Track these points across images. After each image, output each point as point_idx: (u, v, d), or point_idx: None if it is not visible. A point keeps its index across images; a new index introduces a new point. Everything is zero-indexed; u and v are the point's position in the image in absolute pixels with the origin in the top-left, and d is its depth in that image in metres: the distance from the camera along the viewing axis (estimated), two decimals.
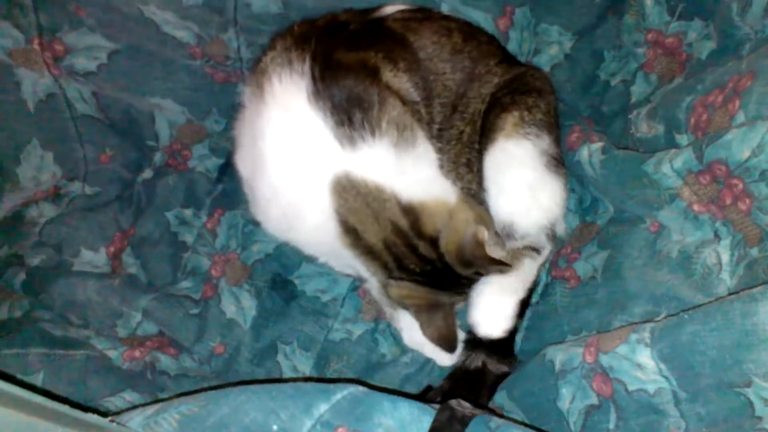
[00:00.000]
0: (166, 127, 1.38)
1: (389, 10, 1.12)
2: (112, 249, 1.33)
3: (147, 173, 1.39)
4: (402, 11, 1.12)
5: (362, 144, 0.92)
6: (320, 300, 1.26)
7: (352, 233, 0.95)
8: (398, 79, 0.99)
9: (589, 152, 1.09)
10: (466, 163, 1.08)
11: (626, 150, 1.08)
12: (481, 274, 1.02)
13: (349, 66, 0.96)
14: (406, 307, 1.02)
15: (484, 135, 1.08)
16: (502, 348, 1.09)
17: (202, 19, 1.28)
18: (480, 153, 1.08)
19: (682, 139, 1.00)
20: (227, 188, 1.36)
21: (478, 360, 1.07)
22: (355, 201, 0.93)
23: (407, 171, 0.95)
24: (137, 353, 1.19)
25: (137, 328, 1.25)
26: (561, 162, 1.09)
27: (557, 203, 1.08)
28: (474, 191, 1.08)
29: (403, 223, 0.94)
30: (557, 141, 1.10)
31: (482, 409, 0.97)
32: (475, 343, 1.09)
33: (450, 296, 1.00)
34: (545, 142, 1.06)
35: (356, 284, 1.25)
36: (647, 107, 1.12)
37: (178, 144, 1.40)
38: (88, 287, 1.25)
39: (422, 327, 0.99)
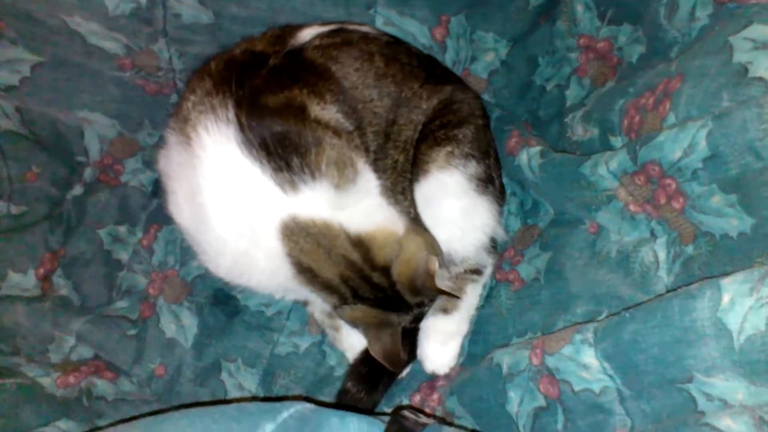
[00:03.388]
0: (96, 141, 1.33)
1: (307, 34, 1.09)
2: (41, 270, 1.27)
3: (77, 190, 1.34)
4: (320, 37, 1.09)
5: (304, 187, 0.92)
6: (264, 314, 1.24)
7: (307, 272, 0.95)
8: (327, 112, 0.99)
9: (528, 156, 1.10)
10: (401, 191, 1.09)
11: (563, 153, 1.10)
12: (429, 300, 1.04)
13: (275, 109, 0.95)
14: (356, 326, 1.03)
15: (415, 165, 1.09)
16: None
17: (130, 29, 1.24)
18: (411, 182, 1.10)
19: (617, 141, 1.02)
20: (163, 202, 1.32)
21: None
22: (305, 242, 0.92)
23: (351, 205, 0.95)
24: (72, 379, 1.16)
25: (71, 353, 1.21)
26: (489, 179, 1.11)
27: (491, 218, 1.10)
28: (413, 215, 1.08)
29: (355, 256, 0.94)
30: (485, 158, 1.12)
31: (432, 417, 0.97)
32: None
33: (398, 316, 1.02)
34: (472, 167, 1.08)
35: None
36: (582, 111, 1.15)
37: (109, 158, 1.35)
38: (17, 312, 1.21)
39: (369, 344, 1.00)
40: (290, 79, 1.00)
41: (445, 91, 1.13)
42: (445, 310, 1.11)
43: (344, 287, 0.96)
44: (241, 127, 0.92)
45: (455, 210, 1.08)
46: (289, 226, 0.92)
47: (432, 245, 0.99)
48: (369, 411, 1.08)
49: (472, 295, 1.14)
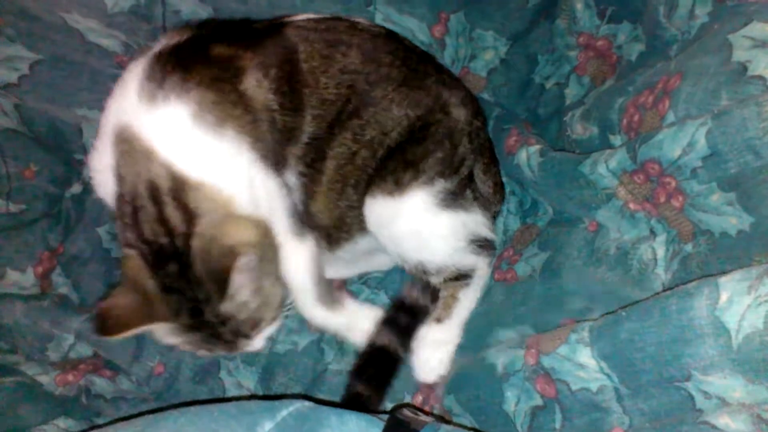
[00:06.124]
0: (95, 139, 1.33)
1: (299, 17, 1.09)
2: (40, 269, 1.27)
3: (76, 188, 1.33)
4: (308, 20, 1.07)
5: (160, 104, 0.88)
6: None
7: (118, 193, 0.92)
8: (260, 90, 0.96)
9: (527, 155, 1.10)
10: (354, 184, 1.06)
11: (563, 152, 1.10)
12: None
13: (211, 56, 0.93)
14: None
15: (382, 178, 1.05)
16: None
17: (129, 27, 1.24)
18: (368, 182, 1.06)
19: (616, 139, 1.02)
20: None
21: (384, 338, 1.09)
22: (123, 157, 0.90)
23: (201, 153, 0.89)
24: (71, 377, 1.15)
25: (70, 351, 1.20)
26: (459, 190, 1.08)
27: (464, 227, 1.07)
28: (355, 208, 1.07)
29: (163, 182, 0.88)
30: (455, 172, 1.08)
31: (431, 415, 0.97)
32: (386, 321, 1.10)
33: (174, 305, 0.90)
34: (441, 184, 1.05)
35: None
36: (581, 109, 1.15)
37: None
38: (16, 310, 1.20)
39: (111, 296, 0.90)
40: (253, 40, 0.99)
41: (421, 105, 1.07)
42: (438, 320, 1.09)
43: (127, 206, 0.90)
44: (159, 53, 0.92)
45: (421, 226, 1.05)
46: (122, 135, 0.90)
47: (264, 244, 0.91)
48: (369, 409, 1.07)
49: (465, 301, 1.11)
